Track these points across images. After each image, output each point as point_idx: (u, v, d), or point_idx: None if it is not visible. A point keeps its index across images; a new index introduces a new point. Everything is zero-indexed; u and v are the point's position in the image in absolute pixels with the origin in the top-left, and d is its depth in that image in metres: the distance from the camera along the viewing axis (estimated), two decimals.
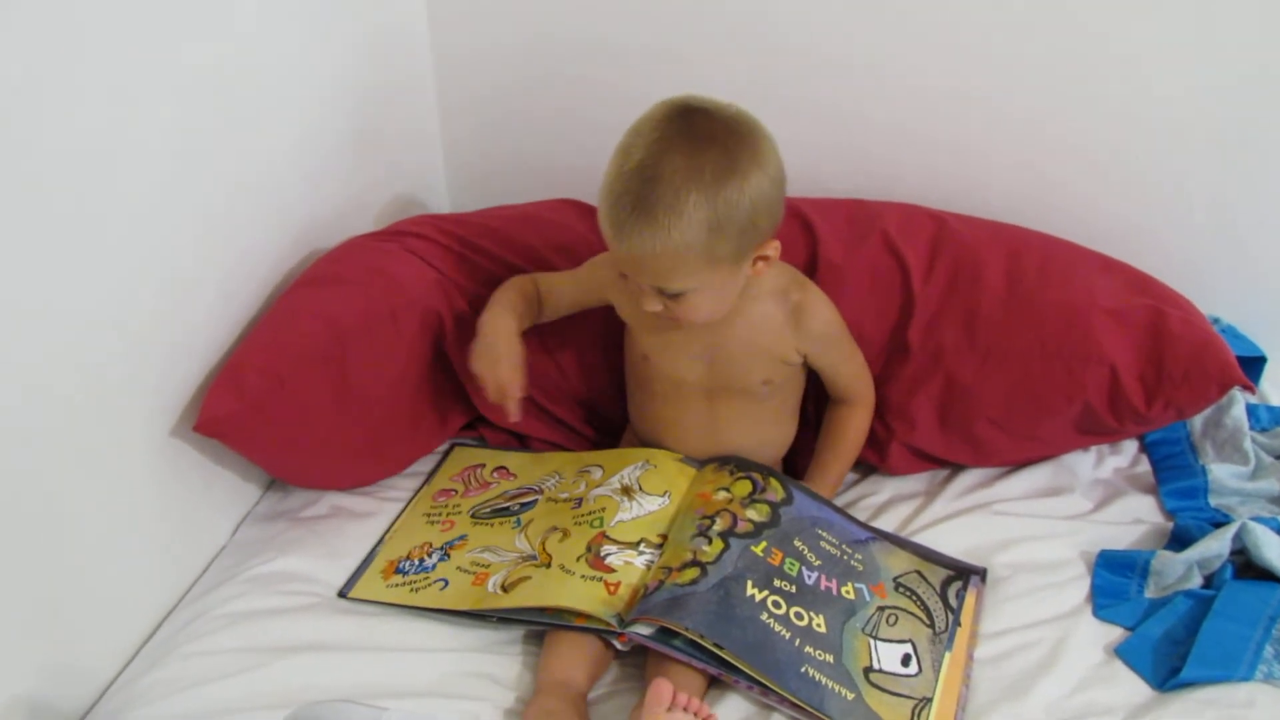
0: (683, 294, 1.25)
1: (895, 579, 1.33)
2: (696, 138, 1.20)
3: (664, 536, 1.33)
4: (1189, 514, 1.42)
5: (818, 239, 1.51)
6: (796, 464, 1.53)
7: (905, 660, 1.23)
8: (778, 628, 1.20)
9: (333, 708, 0.85)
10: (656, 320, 1.34)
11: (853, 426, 1.48)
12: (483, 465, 1.55)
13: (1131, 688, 1.21)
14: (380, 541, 1.43)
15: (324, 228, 1.58)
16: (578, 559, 1.31)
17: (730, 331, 1.38)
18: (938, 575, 1.35)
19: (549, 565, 1.31)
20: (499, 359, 1.38)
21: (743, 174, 1.20)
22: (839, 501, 1.48)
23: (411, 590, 1.34)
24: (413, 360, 1.47)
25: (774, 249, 1.29)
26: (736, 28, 1.65)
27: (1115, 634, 1.28)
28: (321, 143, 1.57)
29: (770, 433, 1.49)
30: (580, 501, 1.40)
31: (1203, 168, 1.61)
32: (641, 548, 1.31)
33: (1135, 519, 1.44)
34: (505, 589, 1.30)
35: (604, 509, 1.37)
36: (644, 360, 1.44)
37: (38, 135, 1.07)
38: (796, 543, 1.31)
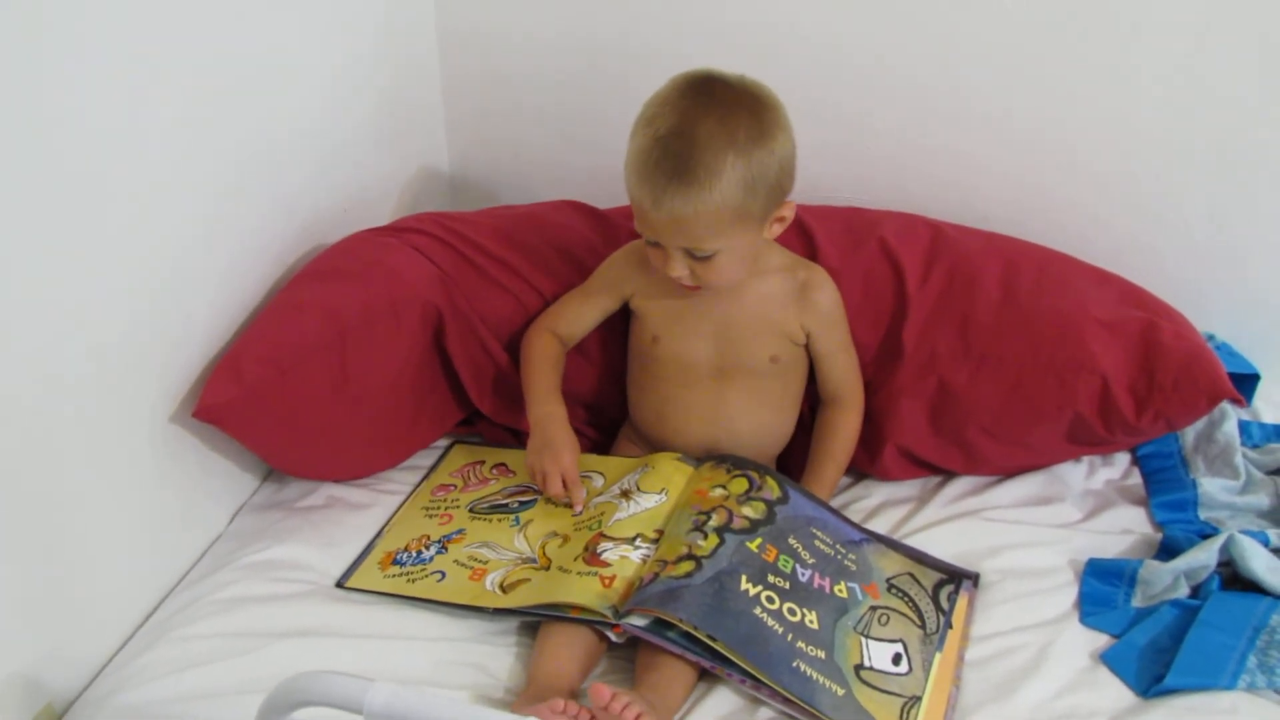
0: (712, 256, 1.31)
1: (888, 580, 1.34)
2: (725, 103, 1.27)
3: (660, 532, 1.34)
4: (1178, 526, 1.43)
5: (815, 244, 1.53)
6: (791, 465, 1.54)
7: (896, 659, 1.24)
8: (771, 622, 1.21)
9: (318, 678, 0.85)
10: (670, 297, 1.40)
11: (844, 430, 1.49)
12: (482, 462, 1.55)
13: (1116, 693, 1.22)
14: (379, 534, 1.44)
15: (327, 222, 1.59)
16: (575, 559, 1.31)
17: (739, 306, 1.42)
18: (930, 578, 1.36)
19: (548, 568, 1.32)
20: (560, 451, 1.41)
21: (771, 136, 1.28)
22: (832, 504, 1.48)
23: (409, 581, 1.34)
24: (412, 355, 1.48)
25: (790, 210, 1.35)
26: (740, 32, 1.66)
27: (1101, 640, 1.29)
28: (327, 136, 1.59)
29: (771, 419, 1.49)
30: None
31: (1202, 185, 1.62)
32: (637, 542, 1.32)
33: (1124, 529, 1.45)
34: (504, 589, 1.31)
35: (603, 513, 1.38)
36: (653, 343, 1.46)
37: (42, 121, 1.07)
38: (791, 541, 1.32)
